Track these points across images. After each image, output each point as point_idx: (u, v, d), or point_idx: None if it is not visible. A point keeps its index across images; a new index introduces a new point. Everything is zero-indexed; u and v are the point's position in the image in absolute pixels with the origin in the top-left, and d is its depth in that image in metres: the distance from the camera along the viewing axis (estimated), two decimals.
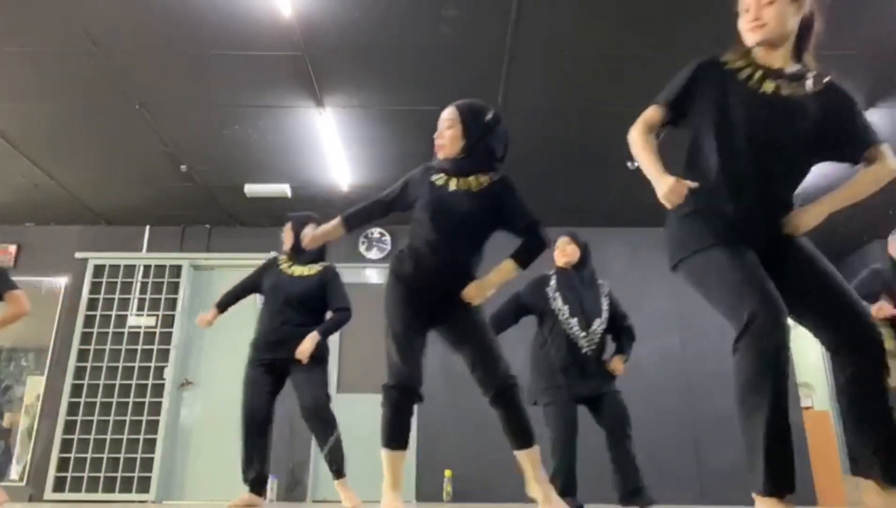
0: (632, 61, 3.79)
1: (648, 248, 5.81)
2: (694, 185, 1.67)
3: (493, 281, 2.38)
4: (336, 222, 2.50)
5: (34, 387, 5.80)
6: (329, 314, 3.59)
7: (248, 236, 6.05)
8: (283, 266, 3.61)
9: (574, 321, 3.37)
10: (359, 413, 5.07)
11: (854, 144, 1.76)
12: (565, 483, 3.15)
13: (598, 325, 3.41)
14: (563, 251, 3.52)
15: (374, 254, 6.06)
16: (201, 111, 4.40)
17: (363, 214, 2.51)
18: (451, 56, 3.82)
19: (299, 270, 3.57)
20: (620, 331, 3.56)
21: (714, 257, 1.66)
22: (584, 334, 3.36)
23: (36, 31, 3.60)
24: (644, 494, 3.16)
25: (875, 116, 4.29)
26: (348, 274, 5.87)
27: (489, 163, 2.43)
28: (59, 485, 5.31)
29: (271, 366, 3.43)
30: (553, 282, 3.50)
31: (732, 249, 1.65)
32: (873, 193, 1.77)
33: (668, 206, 1.68)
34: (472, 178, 2.39)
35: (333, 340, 5.67)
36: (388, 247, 6.04)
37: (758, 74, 1.74)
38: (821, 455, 5.69)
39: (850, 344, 1.60)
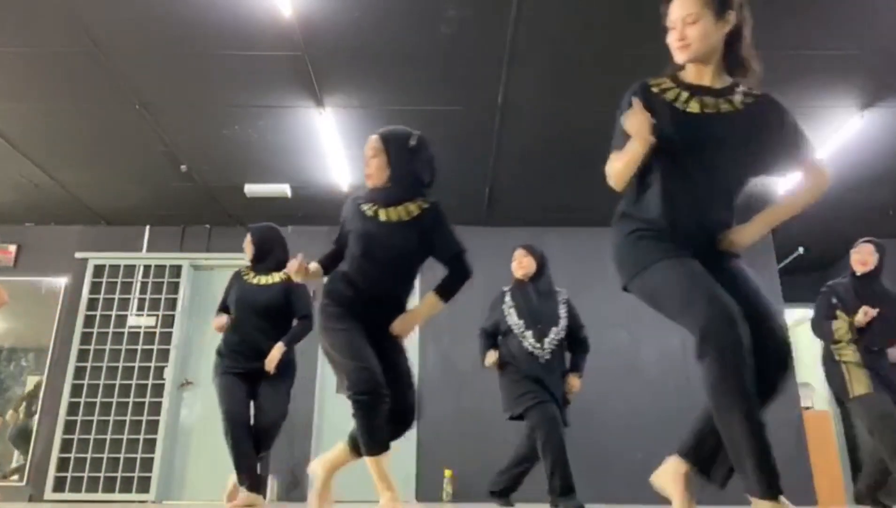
0: (632, 61, 3.79)
1: None
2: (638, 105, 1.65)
3: (418, 315, 2.47)
4: (316, 266, 2.55)
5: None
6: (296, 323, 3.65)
7: None
8: (247, 277, 3.68)
9: (529, 333, 3.45)
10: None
11: (788, 157, 1.76)
12: (564, 480, 3.16)
13: (556, 334, 3.48)
14: (520, 264, 3.61)
15: None
16: (201, 111, 4.40)
17: (332, 259, 2.58)
18: (451, 56, 3.82)
19: (263, 279, 3.65)
20: (575, 343, 3.63)
21: (660, 271, 1.66)
22: (538, 345, 3.43)
23: (36, 31, 3.60)
24: (509, 495, 3.68)
25: (875, 116, 4.29)
26: None
27: (417, 190, 2.46)
28: (59, 485, 5.31)
29: (243, 374, 3.49)
30: (508, 297, 3.60)
31: (676, 260, 1.65)
32: (809, 204, 1.78)
33: (646, 140, 1.66)
34: (401, 207, 2.42)
35: None
36: None
37: (684, 95, 1.75)
38: (821, 455, 5.70)
39: (768, 366, 1.61)
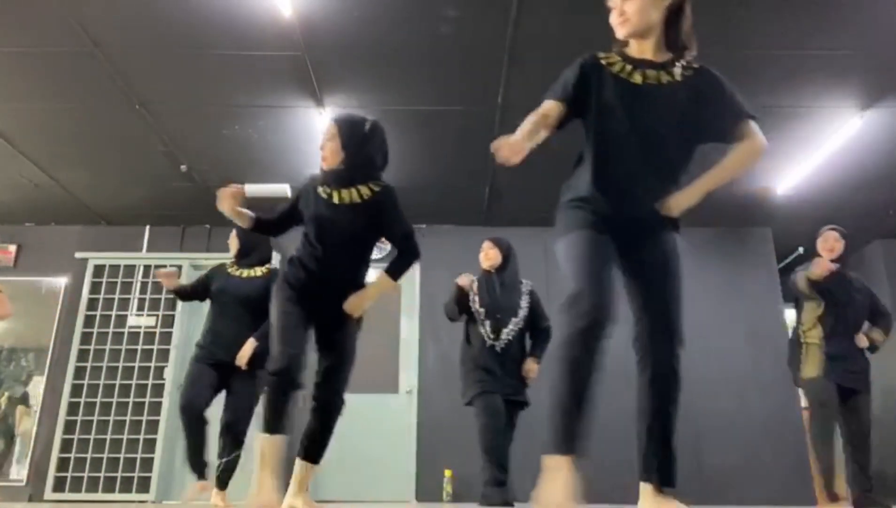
0: None
1: None
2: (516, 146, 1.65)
3: (370, 294, 2.54)
4: (252, 216, 2.69)
5: (33, 387, 5.81)
6: None
7: None
8: (231, 270, 3.74)
9: (487, 323, 3.56)
10: (352, 414, 5.06)
11: (724, 123, 1.81)
12: (494, 472, 3.24)
13: (514, 324, 3.58)
14: (486, 255, 3.71)
15: (374, 254, 6.05)
16: (201, 111, 4.40)
17: (272, 222, 2.70)
18: (451, 56, 3.82)
19: (247, 272, 3.71)
20: (536, 332, 3.71)
21: (569, 241, 1.74)
22: (492, 335, 3.54)
23: (36, 31, 3.60)
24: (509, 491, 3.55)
25: (875, 117, 4.29)
26: None
27: (370, 173, 2.54)
28: (59, 485, 5.31)
29: (215, 365, 3.54)
30: (474, 286, 3.69)
31: (587, 233, 1.72)
32: (747, 170, 1.84)
33: (505, 160, 1.66)
34: (353, 189, 2.50)
35: None
36: (389, 247, 6.04)
37: (628, 68, 1.82)
38: None
39: (654, 357, 1.74)
